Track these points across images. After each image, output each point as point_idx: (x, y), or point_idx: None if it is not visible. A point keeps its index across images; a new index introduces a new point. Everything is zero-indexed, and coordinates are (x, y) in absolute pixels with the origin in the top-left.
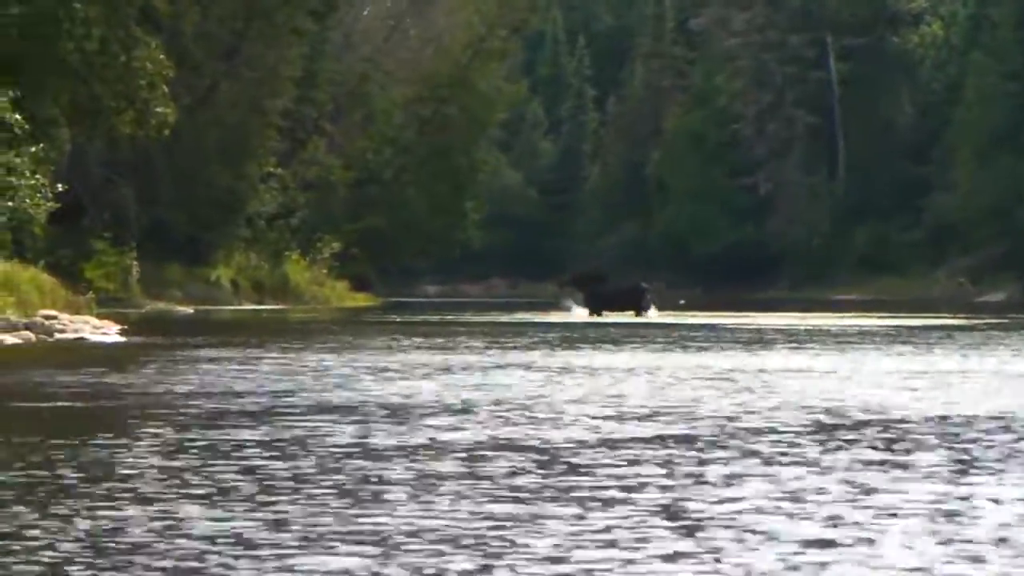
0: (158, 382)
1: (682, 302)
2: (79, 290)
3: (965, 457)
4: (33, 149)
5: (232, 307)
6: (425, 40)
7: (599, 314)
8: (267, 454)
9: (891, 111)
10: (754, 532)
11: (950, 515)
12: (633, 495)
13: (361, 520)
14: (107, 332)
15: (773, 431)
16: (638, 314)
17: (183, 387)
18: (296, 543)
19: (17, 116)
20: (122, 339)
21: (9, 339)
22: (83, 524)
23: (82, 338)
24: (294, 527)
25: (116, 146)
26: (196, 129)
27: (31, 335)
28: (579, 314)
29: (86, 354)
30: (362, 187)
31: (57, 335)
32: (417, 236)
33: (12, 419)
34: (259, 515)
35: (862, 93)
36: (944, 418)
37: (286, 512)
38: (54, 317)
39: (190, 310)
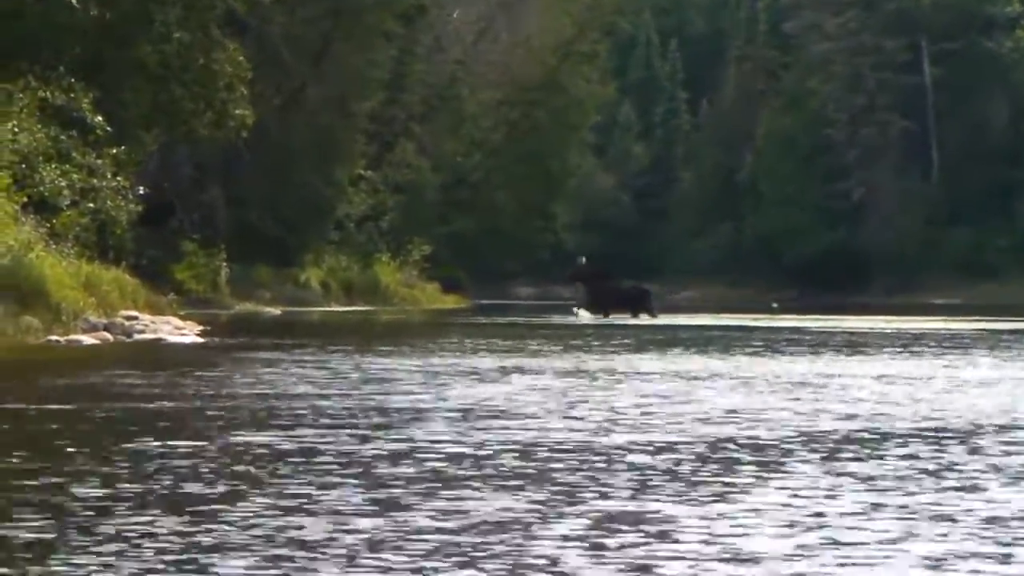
0: (218, 383)
1: (775, 305)
2: (163, 291)
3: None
4: (114, 151)
5: (321, 308)
6: (514, 43)
7: (603, 313)
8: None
9: (985, 115)
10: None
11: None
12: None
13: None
14: (186, 333)
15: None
16: (640, 315)
17: (242, 389)
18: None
19: (99, 118)
20: (200, 340)
21: (87, 339)
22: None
23: (160, 339)
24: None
25: (205, 148)
26: (285, 131)
27: (109, 336)
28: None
29: (157, 355)
30: (451, 190)
31: (136, 336)
32: (506, 239)
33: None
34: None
35: (956, 97)
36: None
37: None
38: (135, 318)
39: (278, 311)
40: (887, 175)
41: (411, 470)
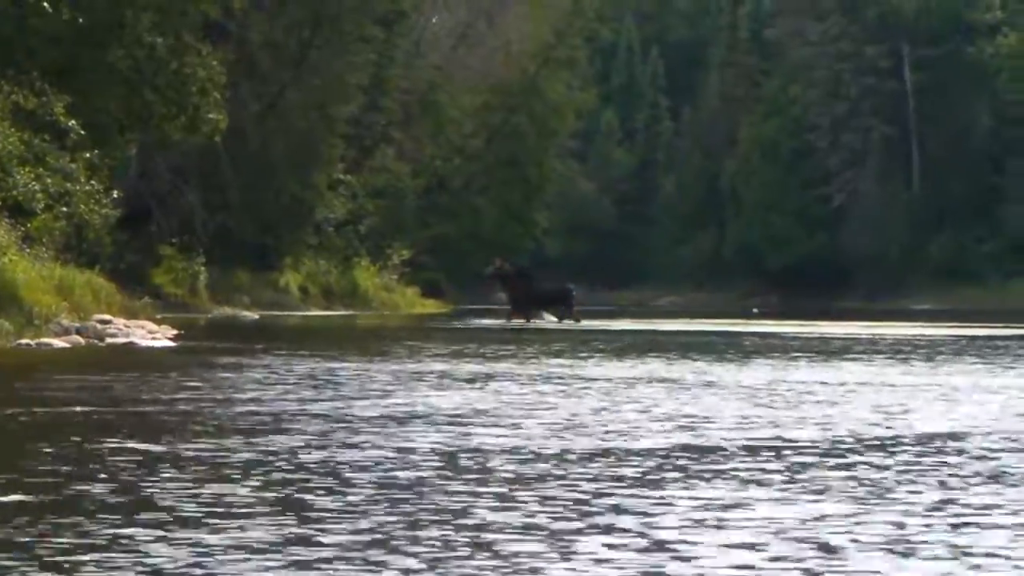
0: (161, 387)
1: (755, 311)
2: (138, 295)
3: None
4: (88, 155)
5: (300, 313)
6: (494, 48)
7: (525, 316)
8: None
9: (967, 121)
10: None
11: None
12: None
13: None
14: (159, 337)
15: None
16: (561, 318)
17: (180, 394)
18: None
19: (72, 122)
20: (172, 344)
21: (58, 343)
22: None
23: (132, 343)
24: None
25: (184, 153)
26: (264, 136)
27: (81, 339)
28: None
29: (121, 359)
30: (431, 195)
31: (108, 340)
32: (486, 244)
33: None
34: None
35: (938, 103)
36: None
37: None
38: (108, 322)
39: (256, 315)
40: (869, 181)
41: (262, 477)
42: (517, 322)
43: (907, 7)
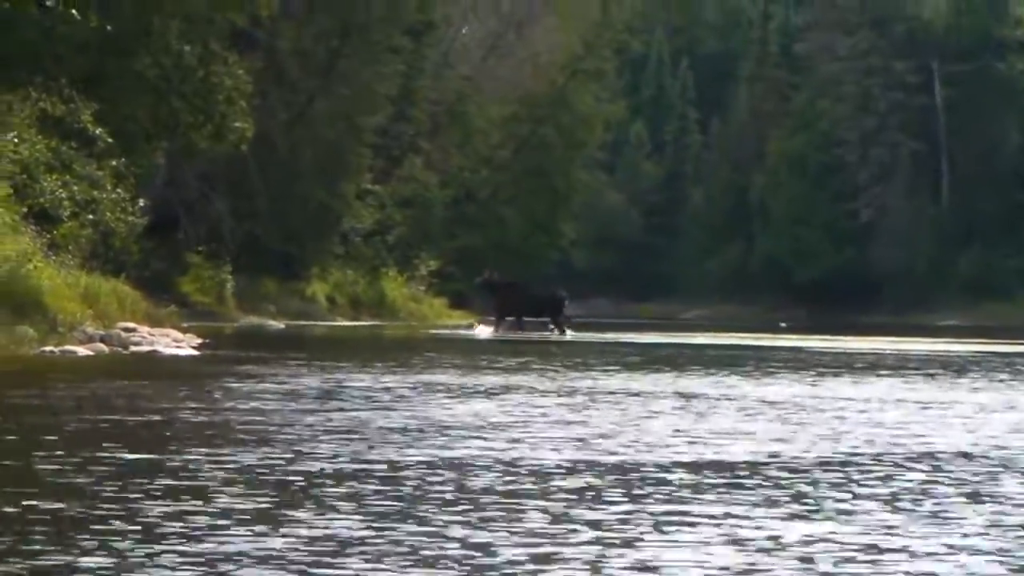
0: (165, 396)
1: (783, 324)
2: (164, 303)
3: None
4: (114, 163)
5: (326, 323)
6: (523, 59)
7: (513, 324)
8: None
9: (996, 137)
10: None
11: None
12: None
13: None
14: (183, 346)
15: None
16: (558, 327)
17: (179, 404)
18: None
19: (100, 130)
20: (196, 353)
21: (81, 351)
22: None
23: (156, 351)
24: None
25: (212, 161)
26: (292, 145)
27: (104, 347)
28: (482, 332)
29: (140, 367)
30: (459, 205)
31: (132, 348)
32: (512, 255)
33: None
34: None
35: (967, 119)
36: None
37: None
38: (133, 329)
39: (282, 325)
40: (897, 196)
41: (261, 489)
42: (519, 333)
43: (937, 22)
